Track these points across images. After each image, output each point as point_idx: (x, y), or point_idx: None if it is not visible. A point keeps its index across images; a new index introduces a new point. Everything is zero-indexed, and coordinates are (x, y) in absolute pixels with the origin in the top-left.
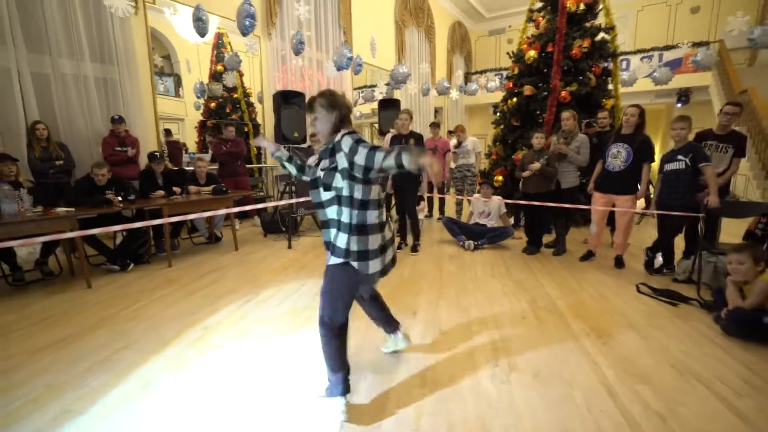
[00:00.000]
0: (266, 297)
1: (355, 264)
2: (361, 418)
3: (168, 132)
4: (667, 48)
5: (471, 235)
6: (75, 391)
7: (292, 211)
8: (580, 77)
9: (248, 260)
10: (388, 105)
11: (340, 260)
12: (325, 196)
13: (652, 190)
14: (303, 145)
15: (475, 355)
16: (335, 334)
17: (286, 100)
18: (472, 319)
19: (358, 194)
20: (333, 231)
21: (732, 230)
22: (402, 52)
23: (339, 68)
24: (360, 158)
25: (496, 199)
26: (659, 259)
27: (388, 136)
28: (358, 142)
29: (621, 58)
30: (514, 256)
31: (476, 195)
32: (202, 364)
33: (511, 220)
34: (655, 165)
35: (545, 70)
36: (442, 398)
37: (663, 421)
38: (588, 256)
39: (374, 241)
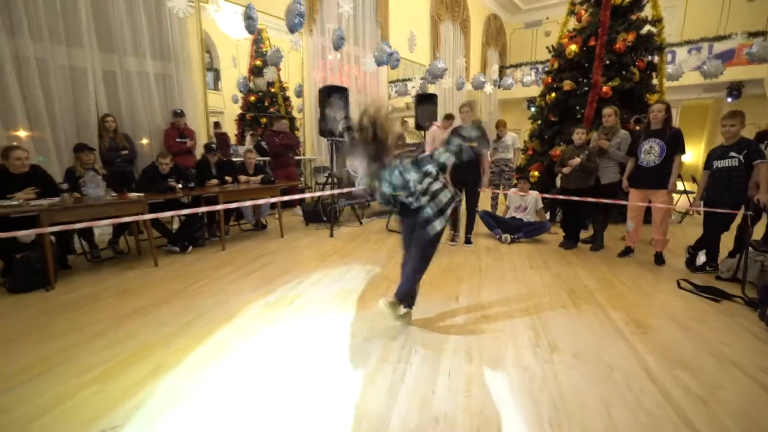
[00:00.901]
0: (316, 279)
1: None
2: (416, 384)
3: (217, 124)
4: (718, 38)
5: (507, 228)
6: (164, 350)
7: (334, 202)
8: (623, 72)
9: (294, 246)
10: (425, 100)
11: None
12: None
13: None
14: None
15: (517, 337)
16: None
17: (331, 94)
18: (513, 306)
19: None
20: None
21: None
22: (437, 46)
23: (379, 63)
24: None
25: (534, 194)
26: (702, 257)
27: (433, 128)
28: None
29: (666, 50)
30: (551, 250)
31: (513, 189)
32: (267, 335)
33: (547, 215)
34: (694, 161)
35: (586, 65)
36: (489, 372)
37: (704, 403)
38: (626, 252)
39: None
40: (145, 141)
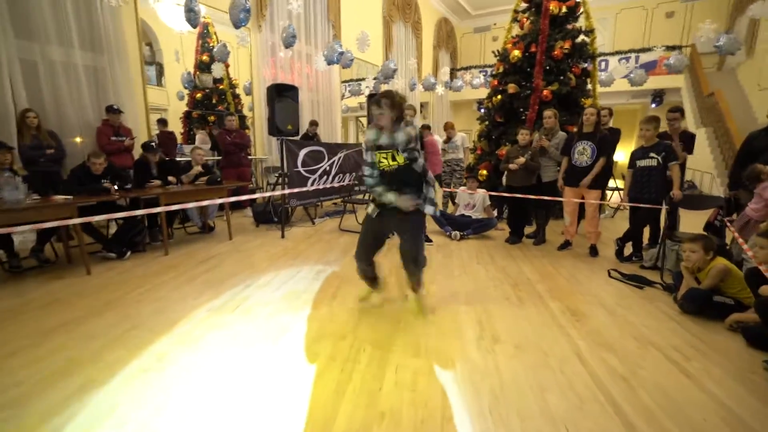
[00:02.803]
0: (265, 282)
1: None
2: (363, 382)
3: (163, 122)
4: (643, 50)
5: (457, 226)
6: (94, 364)
7: (285, 202)
8: (561, 77)
9: (243, 248)
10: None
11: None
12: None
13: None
14: (296, 138)
15: (463, 330)
16: None
17: (280, 93)
18: (460, 300)
19: None
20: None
21: (696, 221)
22: (389, 47)
23: (329, 62)
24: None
25: (481, 192)
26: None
27: None
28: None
29: (600, 59)
30: (498, 245)
31: (462, 188)
32: (211, 341)
33: (495, 213)
34: (625, 161)
35: (528, 69)
36: (435, 365)
37: (626, 381)
38: (565, 245)
39: None
40: (78, 139)
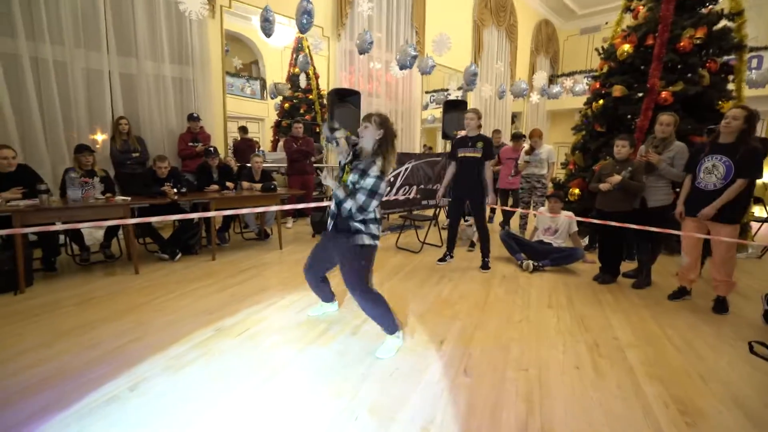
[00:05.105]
0: (290, 302)
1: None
2: None
3: (244, 129)
4: None
5: (532, 253)
6: (72, 381)
7: None
8: (689, 74)
9: (288, 260)
10: (454, 107)
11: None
12: None
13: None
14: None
15: (501, 410)
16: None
17: (341, 98)
18: (509, 358)
19: None
20: None
21: None
22: (479, 52)
23: (402, 67)
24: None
25: (566, 215)
26: None
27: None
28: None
29: (751, 54)
30: (582, 284)
31: (542, 209)
32: (197, 368)
33: (585, 241)
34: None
35: (642, 67)
36: None
37: None
38: (680, 294)
39: None
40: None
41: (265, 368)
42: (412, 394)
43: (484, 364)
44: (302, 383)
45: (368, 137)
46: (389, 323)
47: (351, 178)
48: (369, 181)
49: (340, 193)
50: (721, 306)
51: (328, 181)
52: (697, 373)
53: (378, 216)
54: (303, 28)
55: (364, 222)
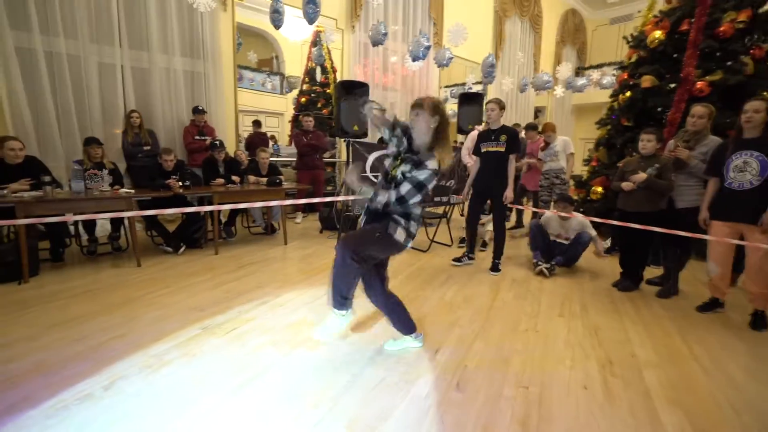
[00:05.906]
0: (284, 301)
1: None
2: None
3: (258, 123)
4: None
5: (546, 252)
6: (52, 376)
7: (346, 209)
8: (729, 62)
9: (291, 256)
10: (470, 100)
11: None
12: None
13: None
14: (364, 140)
15: None
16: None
17: (348, 90)
18: (509, 372)
19: None
20: None
21: None
22: (500, 44)
23: (415, 58)
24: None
25: (578, 217)
26: None
27: (474, 133)
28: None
29: None
30: (599, 290)
31: (551, 211)
32: (175, 369)
33: (606, 243)
34: None
35: (675, 55)
36: None
37: None
38: (712, 305)
39: None
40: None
41: (245, 372)
42: (396, 409)
43: (480, 379)
44: (280, 391)
45: (422, 127)
46: (404, 323)
47: (402, 168)
48: (422, 173)
49: (381, 198)
50: (760, 321)
51: (357, 185)
52: (727, 401)
53: (420, 213)
54: (310, 18)
55: (407, 216)
